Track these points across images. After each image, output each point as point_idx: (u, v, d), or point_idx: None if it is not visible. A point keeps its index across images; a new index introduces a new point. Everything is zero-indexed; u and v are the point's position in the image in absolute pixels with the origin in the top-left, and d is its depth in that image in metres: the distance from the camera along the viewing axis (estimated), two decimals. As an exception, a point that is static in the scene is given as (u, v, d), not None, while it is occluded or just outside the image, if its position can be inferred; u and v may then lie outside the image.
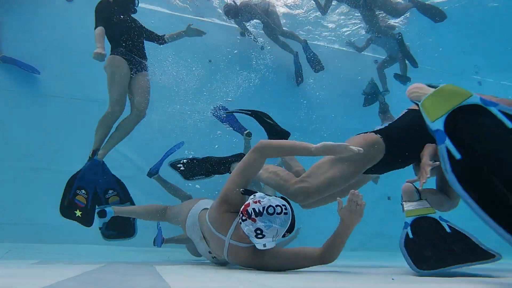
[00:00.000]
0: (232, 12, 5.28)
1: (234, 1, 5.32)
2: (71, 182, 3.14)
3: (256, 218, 1.71)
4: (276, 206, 1.73)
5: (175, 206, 2.87)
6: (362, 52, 6.39)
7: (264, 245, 1.73)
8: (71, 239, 3.84)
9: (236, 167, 2.05)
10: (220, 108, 4.18)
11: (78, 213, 3.08)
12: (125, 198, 3.29)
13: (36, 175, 4.00)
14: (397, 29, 6.07)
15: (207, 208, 2.28)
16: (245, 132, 4.18)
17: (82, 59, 4.42)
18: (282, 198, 1.83)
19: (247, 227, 1.74)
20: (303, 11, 6.81)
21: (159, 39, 3.61)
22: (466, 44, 7.28)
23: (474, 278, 1.63)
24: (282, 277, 1.52)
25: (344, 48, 6.53)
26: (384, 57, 6.24)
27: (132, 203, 3.32)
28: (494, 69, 7.22)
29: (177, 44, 4.74)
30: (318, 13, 6.38)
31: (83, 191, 3.12)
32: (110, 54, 3.26)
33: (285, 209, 1.75)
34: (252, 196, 1.83)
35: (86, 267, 1.79)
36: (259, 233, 1.70)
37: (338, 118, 5.30)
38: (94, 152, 3.20)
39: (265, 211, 1.71)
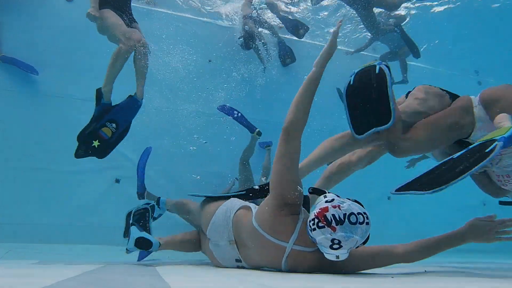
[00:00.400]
0: (246, 43, 5.36)
1: (243, 33, 5.36)
2: (103, 113, 3.15)
3: (336, 227, 1.48)
4: (358, 214, 1.51)
5: (196, 202, 2.64)
6: (362, 52, 6.40)
7: (337, 257, 1.52)
8: (71, 239, 3.84)
9: (275, 163, 1.78)
10: (227, 108, 4.23)
11: (95, 143, 3.09)
12: (115, 140, 3.21)
13: (36, 175, 4.01)
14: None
15: (247, 207, 1.99)
16: (256, 130, 4.22)
17: (82, 59, 4.44)
18: (356, 201, 1.61)
19: (323, 236, 1.50)
20: (302, 10, 6.82)
21: (130, 19, 3.63)
22: (467, 44, 7.29)
23: (474, 278, 1.63)
24: (282, 277, 1.52)
25: (344, 48, 6.54)
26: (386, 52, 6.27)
27: (116, 143, 3.27)
28: (494, 69, 7.23)
29: (178, 44, 4.74)
30: (318, 14, 6.40)
31: (113, 124, 3.13)
32: (100, 9, 3.29)
33: (367, 218, 1.54)
34: (326, 198, 1.60)
35: (86, 267, 1.79)
36: (336, 243, 1.49)
37: (335, 117, 5.33)
38: (136, 94, 3.26)
39: (346, 219, 1.49)
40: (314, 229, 1.53)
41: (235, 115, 4.35)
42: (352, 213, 1.50)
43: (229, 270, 1.95)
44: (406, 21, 6.62)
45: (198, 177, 4.35)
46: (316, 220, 1.53)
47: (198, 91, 4.97)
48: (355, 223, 1.49)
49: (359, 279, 1.46)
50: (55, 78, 4.35)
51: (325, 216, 1.50)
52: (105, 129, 3.12)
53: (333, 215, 1.49)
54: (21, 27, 4.38)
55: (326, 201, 1.56)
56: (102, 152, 3.18)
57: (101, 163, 4.23)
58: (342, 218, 1.48)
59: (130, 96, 3.27)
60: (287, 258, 1.69)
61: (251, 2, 5.87)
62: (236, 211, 2.00)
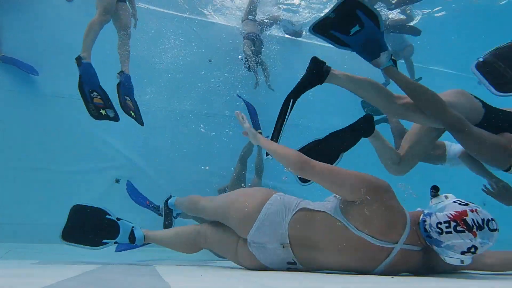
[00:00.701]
0: (248, 65, 5.39)
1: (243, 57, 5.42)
2: (120, 90, 3.36)
3: (477, 233, 1.41)
4: (492, 220, 1.45)
5: (207, 198, 2.34)
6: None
7: (462, 262, 1.46)
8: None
9: (332, 186, 1.71)
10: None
11: (132, 113, 3.37)
12: (137, 107, 3.47)
13: (36, 175, 4.01)
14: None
15: (308, 209, 1.80)
16: (258, 131, 4.23)
17: (82, 59, 4.44)
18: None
19: (461, 241, 1.43)
20: (302, 9, 6.83)
21: None
22: (467, 44, 7.28)
23: (474, 278, 1.63)
24: (283, 277, 1.52)
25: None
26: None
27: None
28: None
29: (177, 44, 4.74)
30: (319, 12, 6.41)
31: (128, 97, 3.40)
32: None
33: (497, 224, 1.47)
34: (455, 200, 1.53)
35: (86, 267, 1.79)
36: (472, 250, 1.43)
37: (333, 116, 5.34)
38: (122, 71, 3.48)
39: (486, 225, 1.42)
40: (449, 232, 1.46)
41: (249, 105, 4.37)
42: (489, 220, 1.45)
43: (229, 270, 1.95)
44: (413, 22, 6.62)
45: (207, 167, 4.36)
46: (453, 224, 1.46)
47: (198, 91, 4.97)
48: (493, 230, 1.44)
49: (359, 279, 1.46)
50: (55, 78, 4.35)
51: (465, 221, 1.44)
52: (128, 101, 3.38)
53: (473, 219, 1.44)
54: (21, 27, 4.38)
55: (460, 204, 1.50)
56: (140, 119, 3.44)
57: (101, 163, 4.25)
58: (482, 224, 1.43)
59: (119, 73, 3.43)
60: (392, 259, 1.58)
61: (254, 21, 5.80)
62: (297, 211, 1.81)
